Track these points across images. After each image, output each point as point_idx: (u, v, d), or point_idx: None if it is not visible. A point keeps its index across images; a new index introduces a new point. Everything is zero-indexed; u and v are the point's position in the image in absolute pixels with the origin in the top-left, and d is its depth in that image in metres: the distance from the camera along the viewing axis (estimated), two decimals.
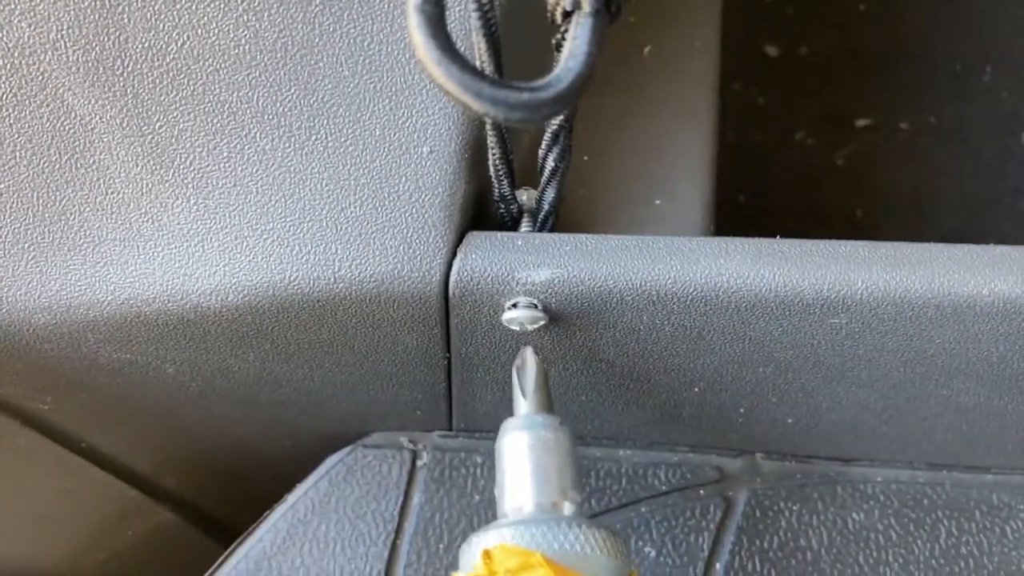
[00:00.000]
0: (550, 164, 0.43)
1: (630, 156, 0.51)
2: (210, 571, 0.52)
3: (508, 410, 0.44)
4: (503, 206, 0.44)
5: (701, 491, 0.54)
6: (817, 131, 0.82)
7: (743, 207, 0.76)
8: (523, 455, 0.41)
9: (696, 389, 0.50)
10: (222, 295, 0.43)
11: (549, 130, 0.42)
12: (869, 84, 0.85)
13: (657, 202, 0.49)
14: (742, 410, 0.51)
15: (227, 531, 0.54)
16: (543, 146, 0.42)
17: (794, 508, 0.54)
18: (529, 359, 0.44)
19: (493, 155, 0.41)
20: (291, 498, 0.53)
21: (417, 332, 0.46)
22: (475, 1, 0.33)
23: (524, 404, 0.43)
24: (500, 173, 0.42)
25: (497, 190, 0.43)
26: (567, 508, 0.41)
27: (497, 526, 0.40)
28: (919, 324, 0.43)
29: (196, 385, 0.50)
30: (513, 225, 0.46)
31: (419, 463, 0.54)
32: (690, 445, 0.55)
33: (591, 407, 0.52)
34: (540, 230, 0.46)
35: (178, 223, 0.43)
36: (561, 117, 0.41)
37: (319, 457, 0.55)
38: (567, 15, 0.31)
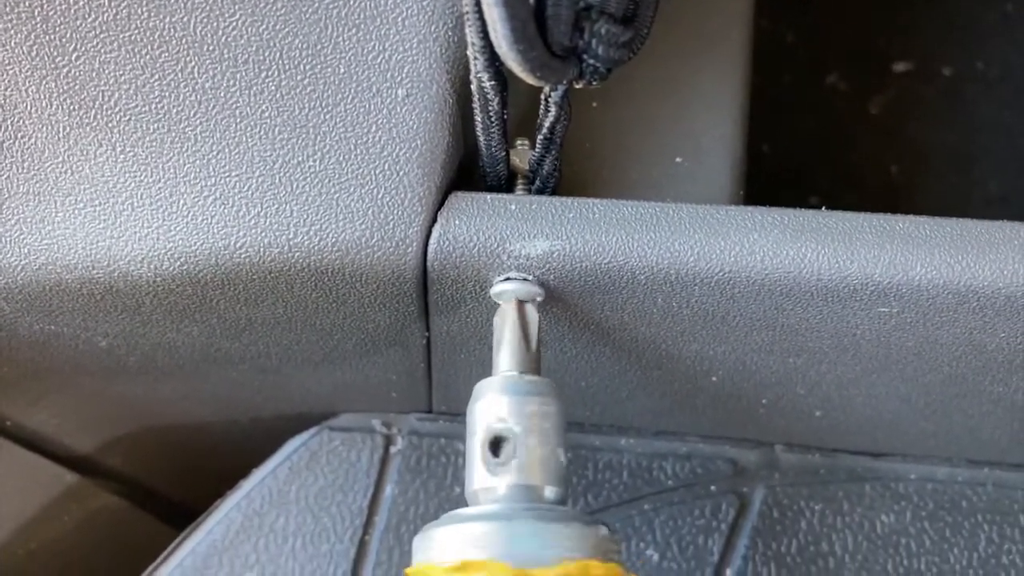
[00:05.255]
0: (553, 111, 0.35)
1: (646, 103, 0.43)
2: (152, 565, 0.46)
3: None
4: (490, 166, 0.37)
5: (712, 487, 0.48)
6: (850, 74, 0.75)
7: (765, 157, 0.69)
8: (500, 423, 0.34)
9: (713, 378, 0.43)
10: (155, 262, 0.36)
11: None
12: (909, 22, 0.77)
13: (678, 159, 0.42)
14: (764, 401, 0.45)
15: (186, 513, 0.48)
16: (544, 92, 0.34)
17: (816, 508, 0.48)
18: (516, 309, 0.36)
19: (481, 99, 0.34)
20: (246, 485, 0.47)
21: (389, 309, 0.39)
22: None
23: (506, 360, 0.36)
24: (489, 125, 0.35)
25: (484, 146, 0.36)
26: (549, 493, 0.34)
27: (460, 517, 0.33)
28: (983, 316, 0.37)
29: (135, 360, 0.43)
30: (505, 186, 0.39)
31: (393, 449, 0.48)
32: (702, 435, 0.49)
33: (590, 393, 0.45)
34: (538, 192, 0.39)
35: (102, 175, 0.36)
36: None
37: (281, 435, 0.48)
38: None
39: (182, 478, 0.55)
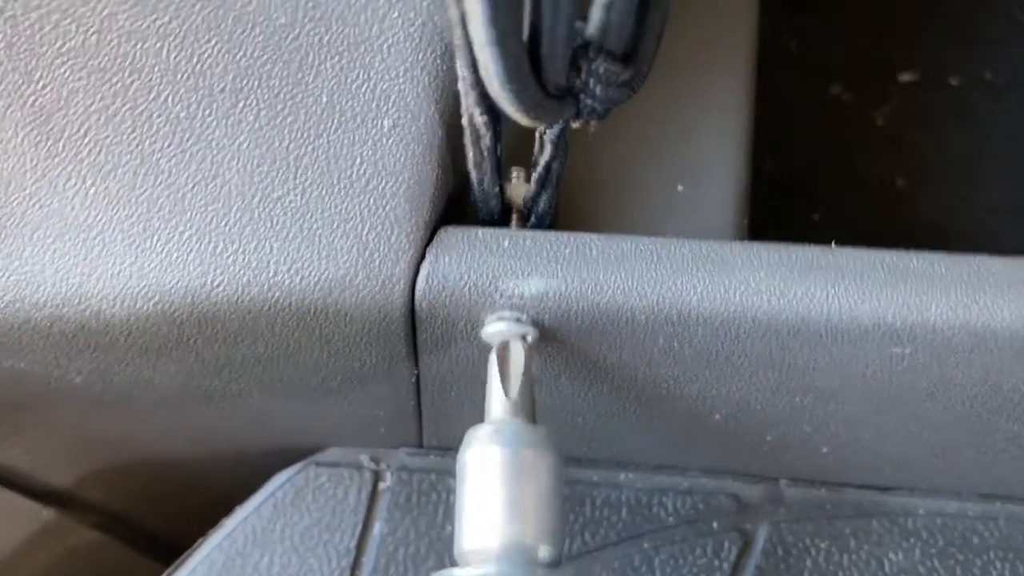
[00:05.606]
0: (549, 149, 0.33)
1: (645, 131, 0.41)
2: None
3: None
4: (483, 201, 0.35)
5: (714, 524, 0.46)
6: (855, 85, 0.73)
7: (768, 170, 0.67)
8: (493, 476, 0.33)
9: (716, 416, 0.41)
10: (129, 300, 0.34)
11: None
12: (915, 31, 0.76)
13: (679, 188, 0.40)
14: (769, 438, 0.43)
15: (169, 547, 0.47)
16: (539, 129, 0.32)
17: (822, 546, 0.46)
18: (514, 350, 0.35)
19: (473, 135, 0.32)
20: (229, 524, 0.45)
21: (376, 348, 0.37)
22: None
23: (501, 407, 0.34)
24: (481, 160, 0.33)
25: (476, 181, 0.34)
26: (543, 553, 0.32)
27: None
28: (1000, 357, 0.36)
29: (111, 396, 0.41)
30: (498, 220, 0.37)
31: (381, 486, 0.46)
32: (703, 469, 0.47)
33: (587, 429, 0.44)
34: (533, 226, 0.37)
35: (71, 208, 0.34)
36: None
37: (265, 470, 0.46)
38: None
39: (164, 513, 0.53)
